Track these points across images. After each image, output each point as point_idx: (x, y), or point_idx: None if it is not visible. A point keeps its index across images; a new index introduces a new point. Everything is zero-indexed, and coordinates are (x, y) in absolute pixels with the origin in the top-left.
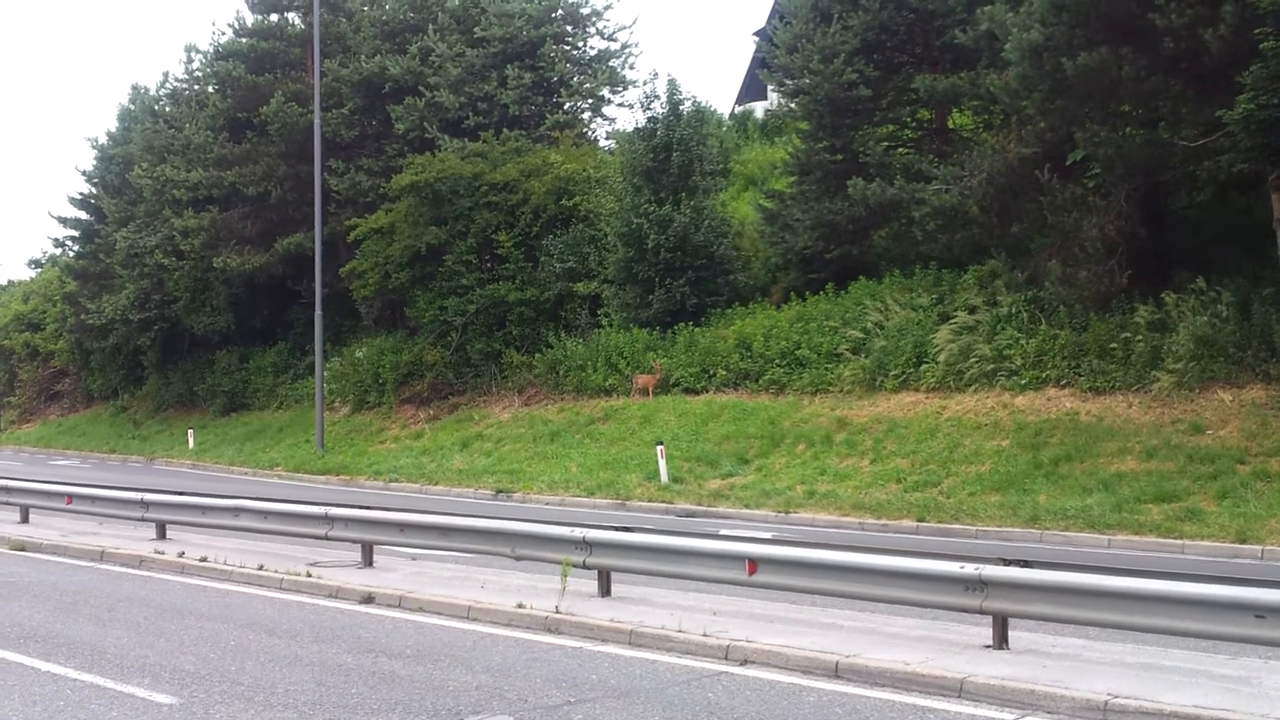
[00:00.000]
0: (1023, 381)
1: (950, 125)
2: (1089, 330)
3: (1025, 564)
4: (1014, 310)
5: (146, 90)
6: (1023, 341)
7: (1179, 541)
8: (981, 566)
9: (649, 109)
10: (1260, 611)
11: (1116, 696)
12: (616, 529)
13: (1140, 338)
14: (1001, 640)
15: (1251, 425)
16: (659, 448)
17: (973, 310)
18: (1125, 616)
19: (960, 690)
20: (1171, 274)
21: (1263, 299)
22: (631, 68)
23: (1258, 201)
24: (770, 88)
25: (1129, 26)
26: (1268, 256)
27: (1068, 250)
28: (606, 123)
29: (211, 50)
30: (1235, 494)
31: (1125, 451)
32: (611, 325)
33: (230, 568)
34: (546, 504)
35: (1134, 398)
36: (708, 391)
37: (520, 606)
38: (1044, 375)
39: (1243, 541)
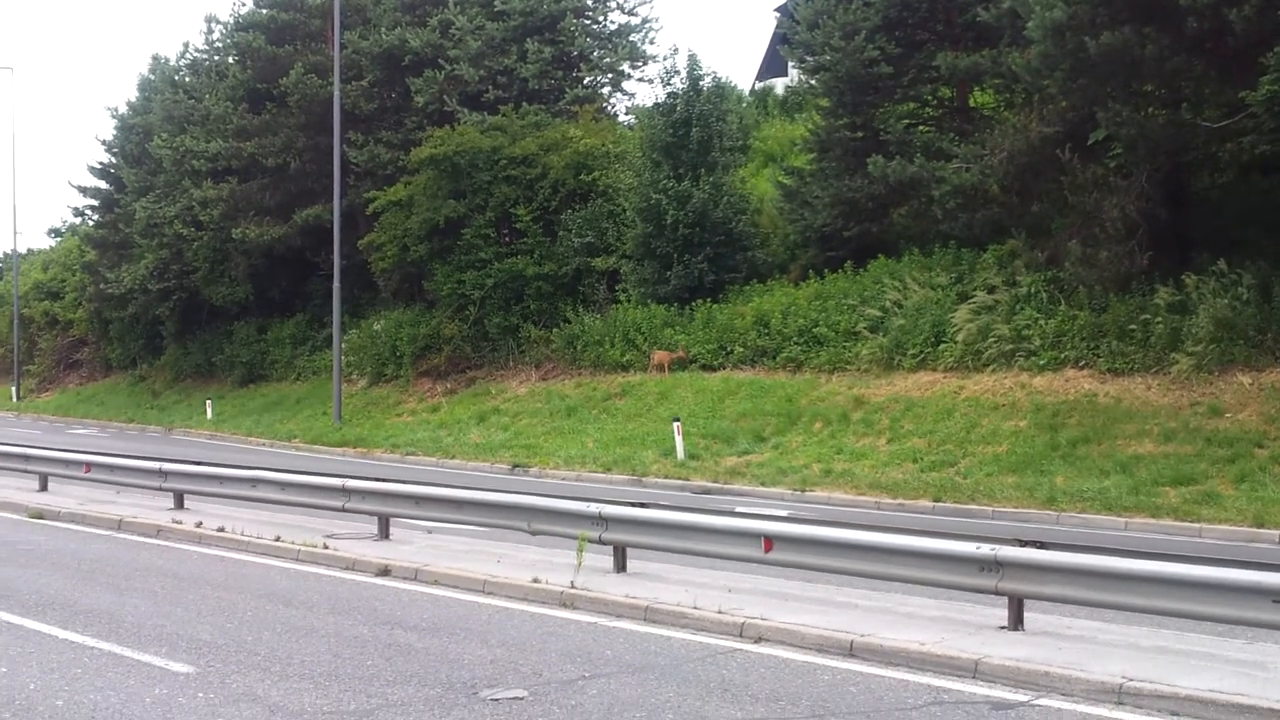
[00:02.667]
0: (1041, 362)
1: (971, 103)
2: (1108, 311)
3: (1041, 545)
4: (1033, 290)
5: (167, 60)
6: (1041, 322)
7: (1196, 525)
8: (997, 547)
9: (669, 84)
10: (1277, 596)
11: (1131, 679)
12: (632, 505)
13: (1160, 319)
14: (1017, 621)
15: (1271, 409)
16: (676, 424)
17: (992, 290)
18: (1141, 599)
19: (975, 671)
20: (1192, 256)
21: None
22: (651, 43)
23: None
24: (791, 64)
25: (1152, 6)
26: None
27: (1088, 231)
28: (626, 98)
29: (232, 21)
30: (1253, 478)
31: (1143, 434)
32: (629, 301)
33: (247, 538)
34: (563, 479)
35: (1153, 380)
36: (725, 368)
37: (536, 581)
38: (1062, 356)
39: (1260, 525)
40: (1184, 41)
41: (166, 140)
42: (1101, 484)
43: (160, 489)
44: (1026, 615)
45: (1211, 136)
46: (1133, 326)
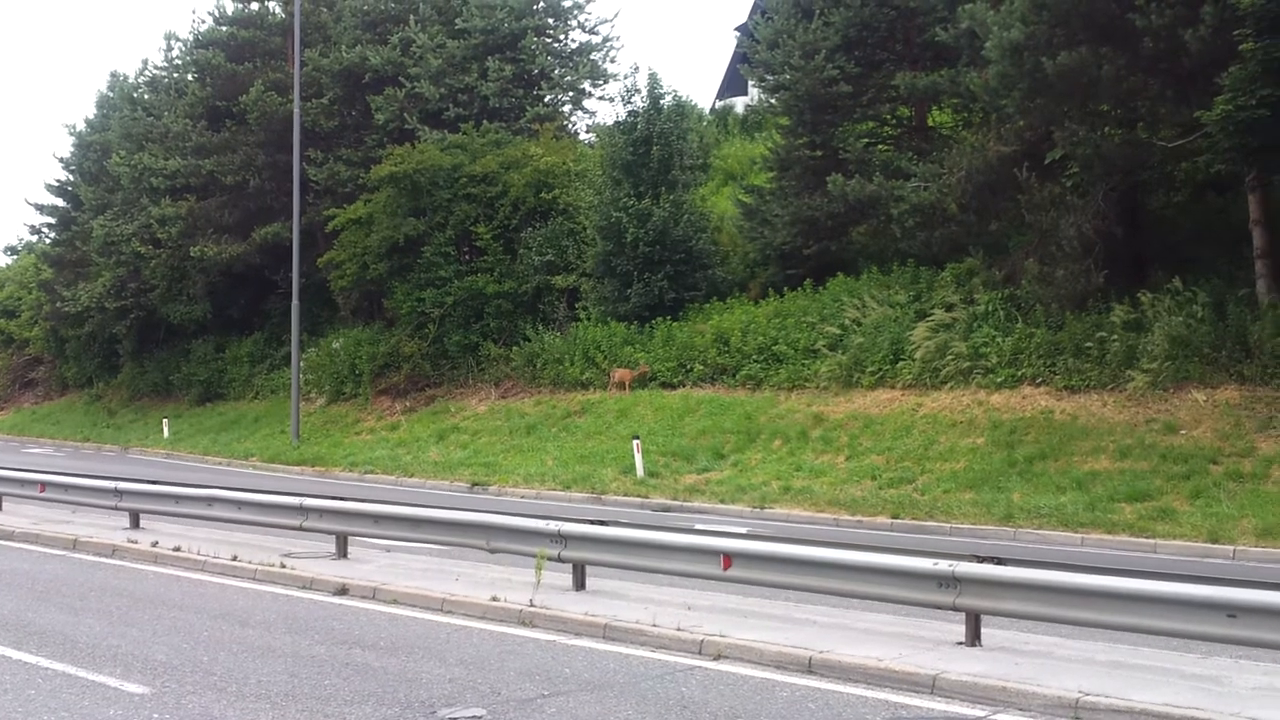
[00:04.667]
0: (998, 379)
1: (930, 123)
2: (1065, 329)
3: (998, 561)
4: (991, 308)
5: (125, 77)
6: (999, 340)
7: (1151, 541)
8: (955, 563)
9: (629, 103)
10: (1232, 611)
11: (1088, 694)
12: (592, 522)
13: (1115, 337)
14: (974, 637)
15: (1225, 425)
16: (635, 442)
17: (950, 308)
18: (1098, 615)
19: (933, 687)
20: (1148, 274)
21: (1238, 300)
22: (613, 61)
23: (1235, 202)
24: (751, 83)
25: (1109, 26)
26: (1244, 257)
27: (1045, 249)
28: (587, 116)
29: (191, 38)
30: (1208, 494)
31: (1099, 450)
32: (589, 319)
33: (204, 558)
34: (522, 497)
35: (1109, 397)
36: (684, 386)
37: (494, 599)
38: (1019, 373)
39: (1215, 541)
40: (1140, 62)
41: (125, 158)
42: (1058, 500)
43: (116, 508)
44: (984, 631)
45: (1167, 156)
46: (1089, 344)
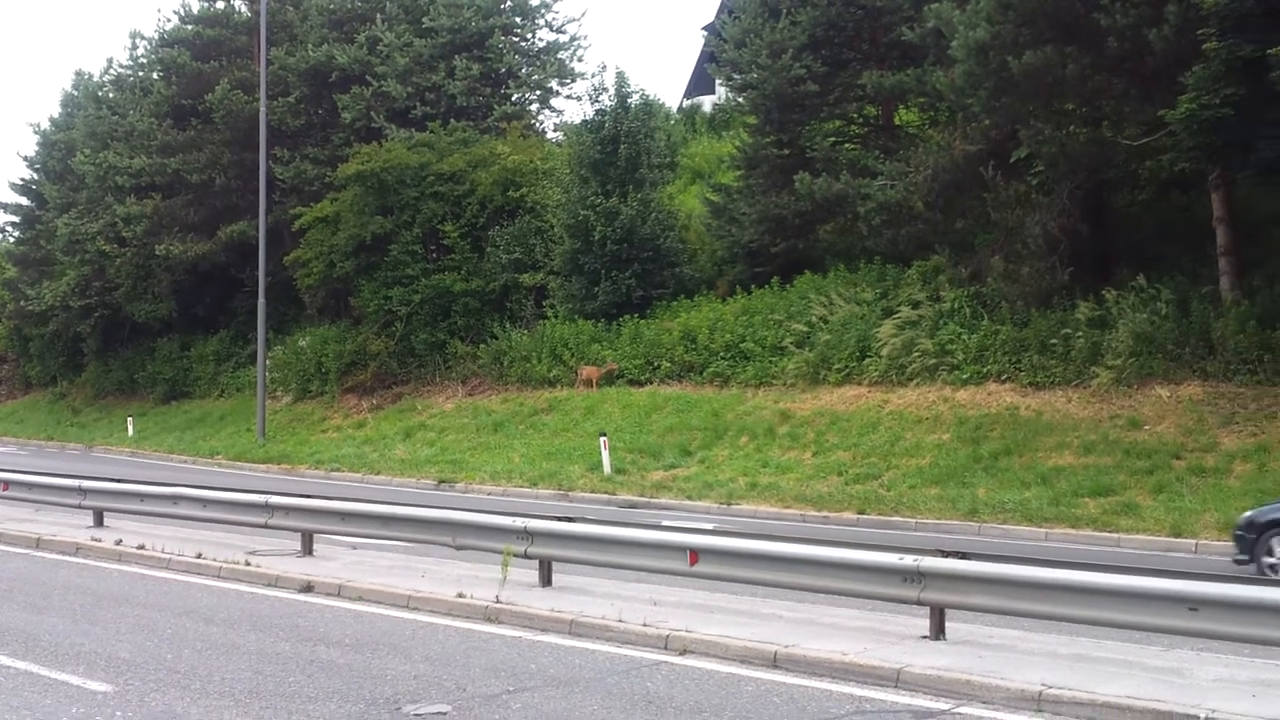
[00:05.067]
0: (964, 376)
1: (896, 122)
2: (1030, 326)
3: (963, 556)
4: (957, 305)
5: (90, 76)
6: (965, 337)
7: (1115, 535)
8: (920, 558)
9: (597, 101)
10: (1194, 604)
11: (1051, 687)
12: (558, 519)
13: (1080, 334)
14: (939, 631)
15: (1188, 421)
16: (602, 439)
17: (916, 305)
18: (1061, 608)
19: (897, 680)
20: (1112, 271)
21: (1201, 297)
22: (580, 60)
23: (1198, 200)
24: (718, 82)
25: (1074, 26)
26: (1207, 255)
27: (1010, 247)
28: (554, 115)
29: (157, 37)
30: (1171, 489)
31: (1064, 446)
32: (557, 317)
33: (168, 556)
34: (489, 494)
35: (1073, 393)
36: (652, 383)
37: (461, 596)
38: (985, 370)
39: (1177, 535)
40: (1105, 61)
41: (89, 156)
42: (1022, 495)
43: (80, 507)
44: (948, 625)
45: (1131, 154)
46: (1054, 341)
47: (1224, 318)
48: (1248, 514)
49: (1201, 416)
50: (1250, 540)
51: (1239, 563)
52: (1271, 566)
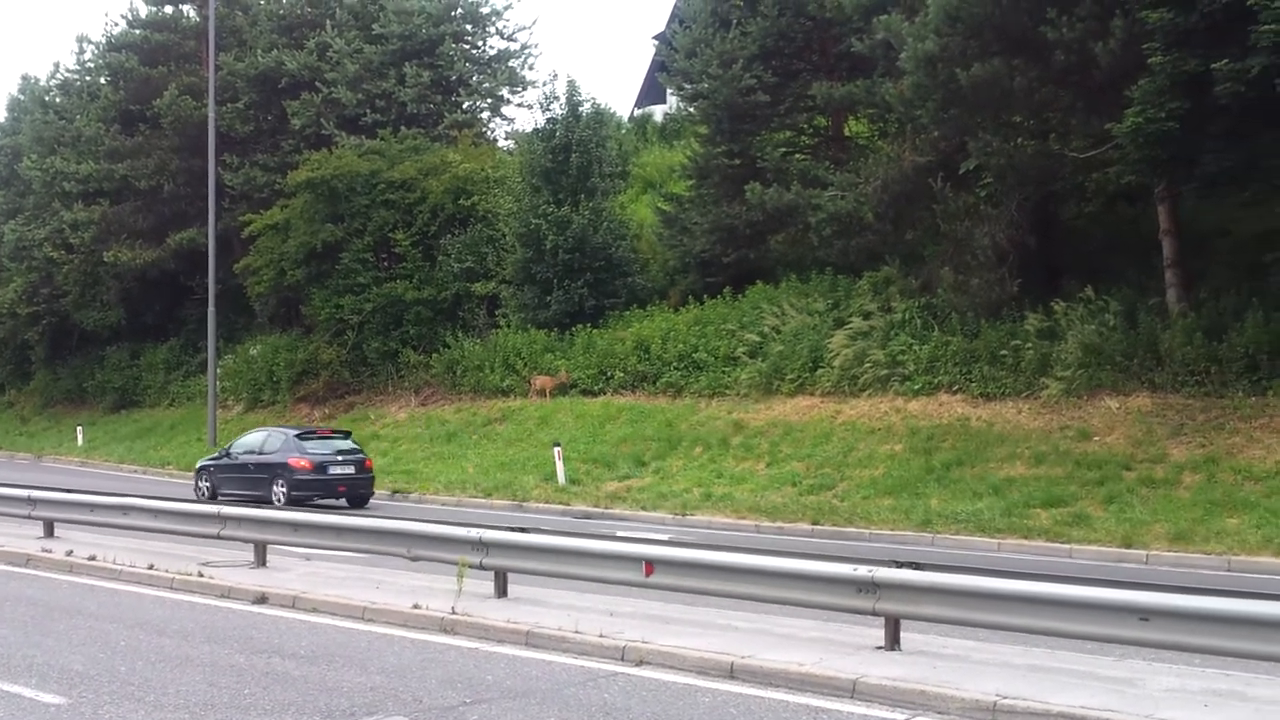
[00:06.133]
0: (915, 387)
1: (846, 133)
2: (980, 337)
3: (916, 566)
4: (907, 316)
5: (37, 81)
6: (916, 347)
7: (1067, 546)
8: (874, 569)
9: (548, 110)
10: (1145, 614)
11: (1005, 697)
12: (513, 530)
13: (1030, 345)
14: (893, 642)
15: (1137, 432)
16: (556, 449)
17: (867, 316)
18: (1014, 618)
19: (853, 691)
20: (1061, 283)
21: (1149, 308)
22: (531, 68)
23: (1145, 212)
24: (669, 91)
25: (1021, 39)
26: (1154, 267)
27: (960, 258)
28: (505, 123)
29: (104, 41)
30: (1121, 499)
31: (1015, 457)
32: (509, 326)
33: (120, 567)
34: (443, 504)
35: (1023, 404)
36: (605, 394)
37: (416, 607)
38: (936, 381)
39: (1128, 546)
40: (1052, 74)
41: (36, 161)
42: (975, 506)
43: (29, 517)
44: (903, 635)
45: (1079, 167)
46: (1004, 352)
47: (1171, 329)
48: None
49: (1150, 428)
50: None
51: None
52: None
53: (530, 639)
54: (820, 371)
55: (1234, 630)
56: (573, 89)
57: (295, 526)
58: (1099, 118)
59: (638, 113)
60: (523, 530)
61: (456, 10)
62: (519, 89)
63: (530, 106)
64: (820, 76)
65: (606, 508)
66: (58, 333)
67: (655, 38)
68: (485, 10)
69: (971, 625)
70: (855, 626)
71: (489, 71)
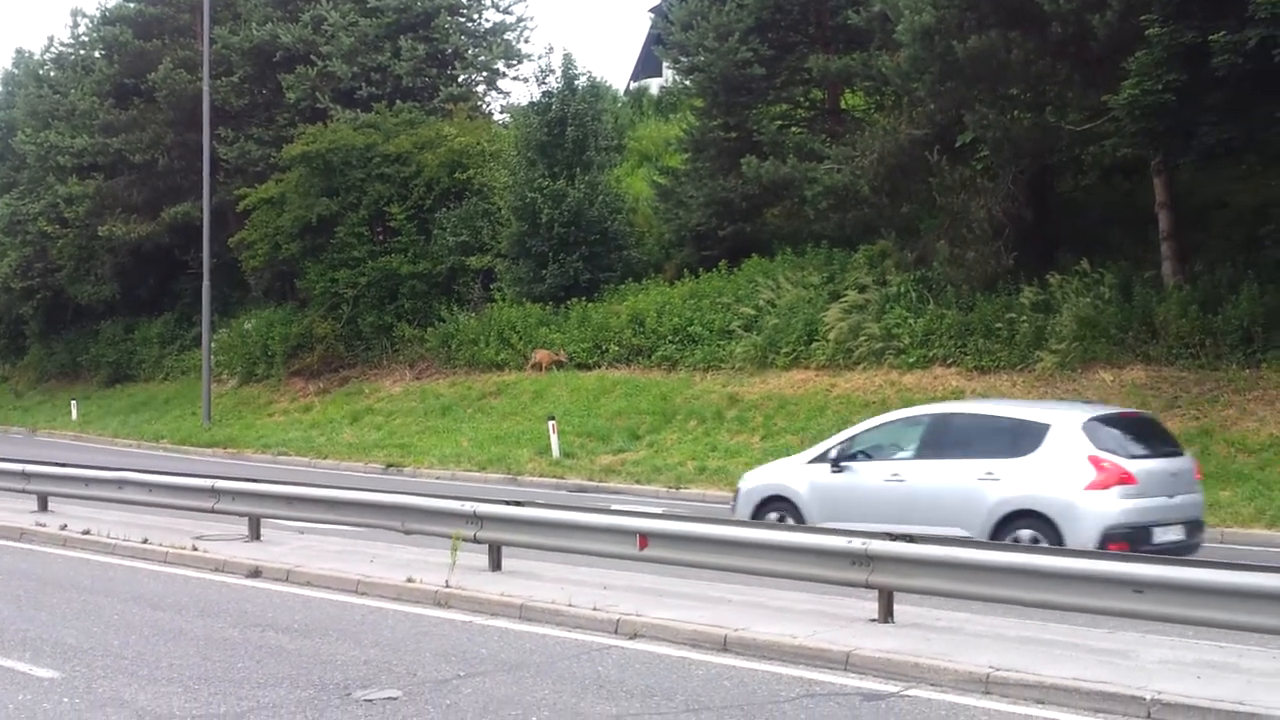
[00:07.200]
0: (910, 360)
1: (843, 105)
2: (975, 310)
3: (910, 539)
4: (903, 290)
5: (31, 54)
6: (911, 321)
7: None
8: (868, 541)
9: (544, 83)
10: (1139, 586)
11: (998, 669)
12: (507, 503)
13: (1025, 318)
14: (887, 614)
15: (1132, 405)
16: (551, 423)
17: (863, 289)
18: (1008, 591)
19: (846, 663)
20: (1056, 256)
21: (1144, 281)
22: (526, 41)
23: (1141, 185)
24: (665, 64)
25: (1018, 10)
26: (1150, 240)
27: (956, 231)
28: (501, 96)
29: (98, 14)
30: None
31: None
32: (504, 300)
33: (114, 541)
34: (438, 478)
35: (1018, 377)
36: (600, 367)
37: (410, 581)
38: (931, 354)
39: None
40: (1048, 46)
41: (30, 135)
42: None
43: (24, 491)
44: (896, 608)
45: (1075, 139)
46: (999, 325)
47: (1166, 302)
48: None
49: (1145, 400)
50: None
51: None
52: None
53: (524, 612)
54: (815, 345)
55: (1228, 602)
56: (568, 62)
57: (289, 500)
58: (1095, 90)
59: (633, 86)
60: (517, 504)
61: None
62: (514, 62)
63: (526, 80)
64: (816, 49)
65: (601, 481)
66: (52, 307)
67: (651, 10)
68: None
69: (964, 598)
70: (849, 599)
71: (484, 45)
